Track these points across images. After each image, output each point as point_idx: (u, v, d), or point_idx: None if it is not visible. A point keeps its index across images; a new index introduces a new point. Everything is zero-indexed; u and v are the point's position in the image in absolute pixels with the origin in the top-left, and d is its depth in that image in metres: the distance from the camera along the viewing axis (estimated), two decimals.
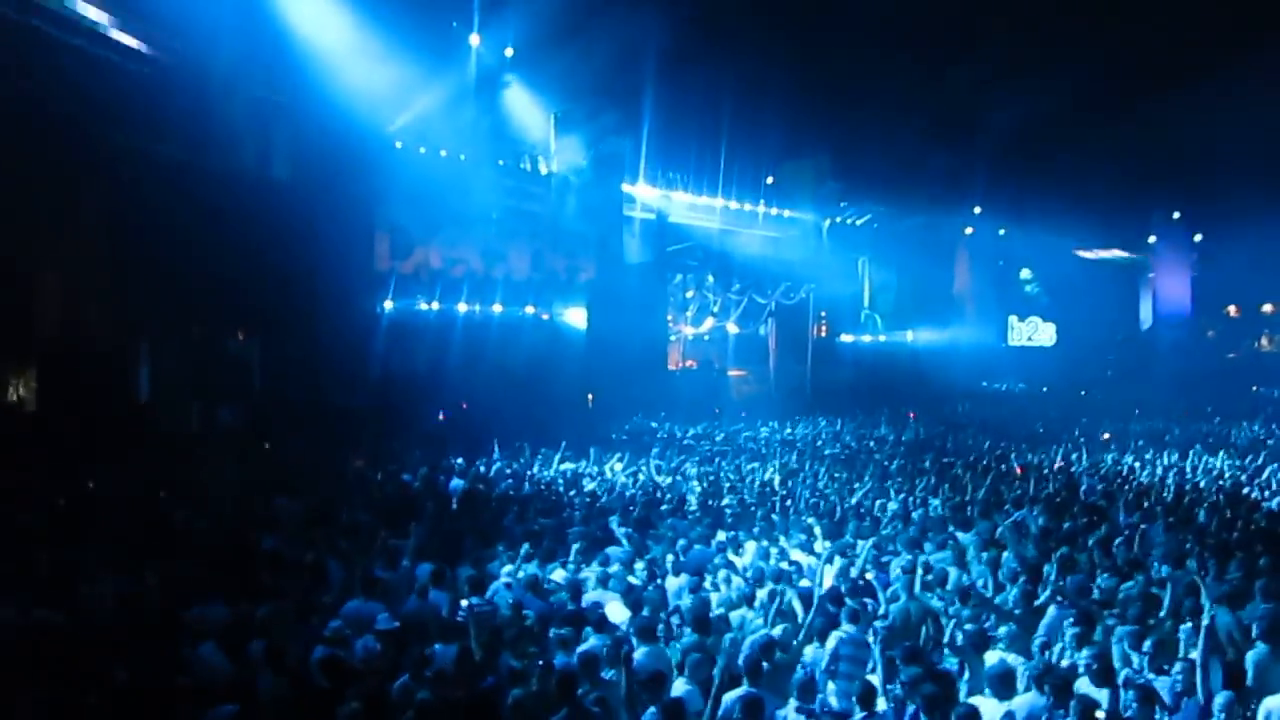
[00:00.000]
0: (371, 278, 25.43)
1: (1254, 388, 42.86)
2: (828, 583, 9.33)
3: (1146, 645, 7.42)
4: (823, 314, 42.28)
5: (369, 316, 25.07)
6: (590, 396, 30.05)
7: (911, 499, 14.70)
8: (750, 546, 11.17)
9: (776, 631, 8.09)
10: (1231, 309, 52.59)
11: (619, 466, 17.92)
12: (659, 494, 15.14)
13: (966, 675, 7.41)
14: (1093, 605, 8.79)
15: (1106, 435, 25.41)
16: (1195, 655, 6.85)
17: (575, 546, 10.55)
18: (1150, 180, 43.69)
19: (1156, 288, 52.33)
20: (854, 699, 6.77)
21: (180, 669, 7.07)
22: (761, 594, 9.04)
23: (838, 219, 42.44)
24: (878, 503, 14.42)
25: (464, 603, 8.66)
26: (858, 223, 43.20)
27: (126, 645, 7.40)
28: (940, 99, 37.03)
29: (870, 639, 7.59)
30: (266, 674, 7.07)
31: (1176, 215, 49.47)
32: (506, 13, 26.79)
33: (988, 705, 6.51)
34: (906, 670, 6.80)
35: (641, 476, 17.03)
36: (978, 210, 45.95)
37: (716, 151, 34.89)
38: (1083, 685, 6.75)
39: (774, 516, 12.82)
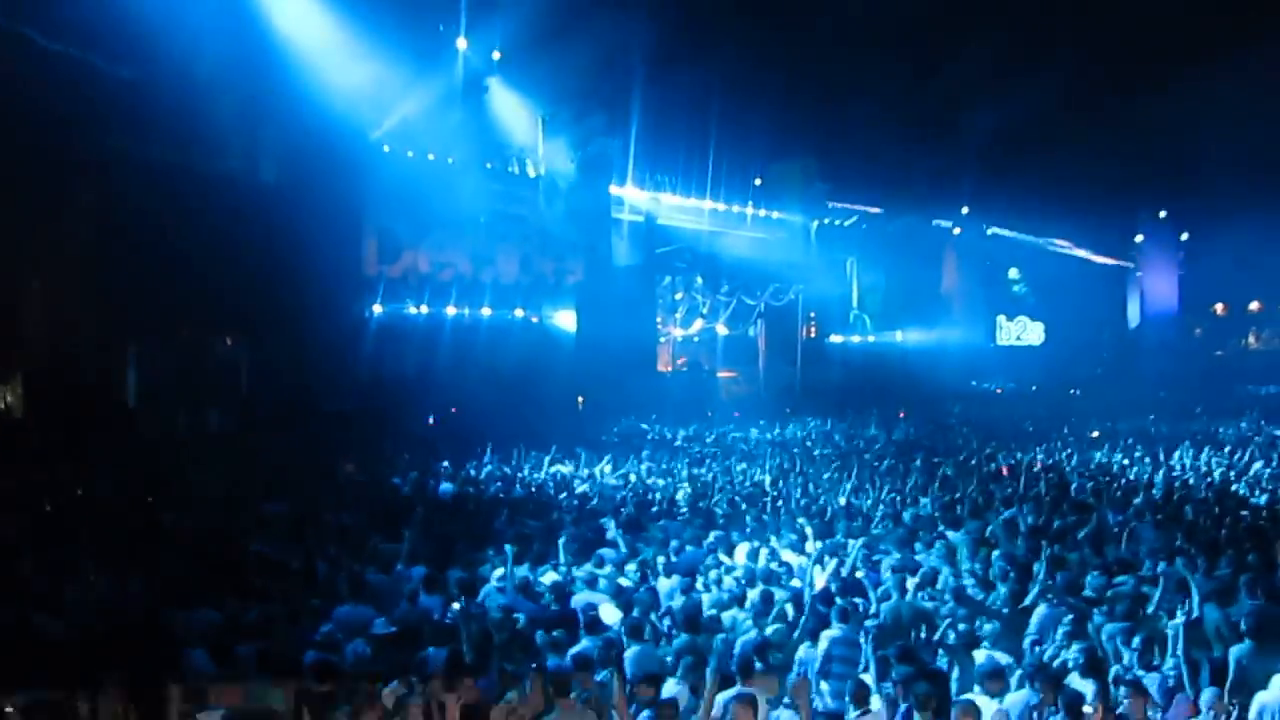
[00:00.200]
0: (359, 281, 25.40)
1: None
2: (819, 583, 9.34)
3: (1136, 642, 7.44)
4: (812, 315, 42.31)
5: (357, 320, 25.04)
6: (580, 399, 30.01)
7: (901, 498, 14.69)
8: (742, 547, 11.15)
9: (769, 631, 8.09)
10: (1219, 307, 52.69)
11: (608, 469, 17.87)
12: (650, 495, 15.11)
13: (957, 673, 7.43)
14: (1082, 602, 8.81)
15: (1095, 433, 25.49)
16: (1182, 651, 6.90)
17: (565, 549, 10.52)
18: (1137, 179, 43.79)
19: (1144, 286, 52.49)
20: (847, 698, 6.78)
21: (171, 672, 7.01)
22: (753, 594, 9.04)
23: (826, 220, 42.46)
24: (867, 502, 14.41)
25: (454, 605, 8.63)
26: (846, 224, 43.24)
27: (116, 649, 7.34)
28: (927, 100, 37.08)
29: (862, 639, 7.60)
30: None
31: (1163, 214, 49.61)
32: (493, 16, 26.75)
33: (979, 703, 6.51)
34: (899, 669, 6.81)
35: (632, 479, 16.98)
36: (965, 210, 46.03)
37: (704, 153, 34.87)
38: (1074, 682, 6.78)
39: (765, 517, 12.81)
